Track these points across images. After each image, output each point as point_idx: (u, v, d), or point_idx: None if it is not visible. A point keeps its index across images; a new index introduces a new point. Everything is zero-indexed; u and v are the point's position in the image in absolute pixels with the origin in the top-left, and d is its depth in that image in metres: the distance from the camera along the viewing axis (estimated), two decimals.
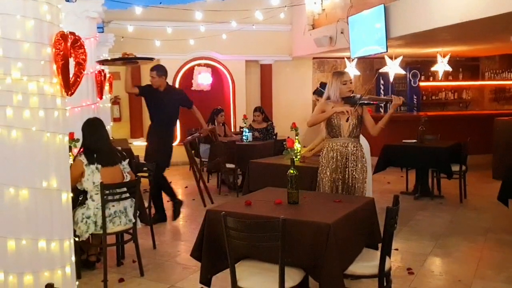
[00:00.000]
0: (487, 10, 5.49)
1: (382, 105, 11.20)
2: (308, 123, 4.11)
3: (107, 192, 3.80)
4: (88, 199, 3.93)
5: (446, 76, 11.47)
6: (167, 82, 6.07)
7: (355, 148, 3.99)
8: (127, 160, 4.20)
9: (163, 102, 5.82)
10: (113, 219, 3.91)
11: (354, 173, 3.97)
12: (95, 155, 3.93)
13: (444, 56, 9.49)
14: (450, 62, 9.64)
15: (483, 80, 12.31)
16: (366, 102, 3.98)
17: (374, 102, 4.02)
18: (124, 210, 4.02)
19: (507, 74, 11.63)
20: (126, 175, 4.12)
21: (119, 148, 4.56)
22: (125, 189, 3.95)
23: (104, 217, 3.81)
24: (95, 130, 4.05)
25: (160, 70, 5.92)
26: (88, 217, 3.88)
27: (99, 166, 3.92)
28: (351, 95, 4.01)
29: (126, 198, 4.00)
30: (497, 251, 4.72)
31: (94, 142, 3.98)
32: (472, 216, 5.95)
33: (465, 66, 12.39)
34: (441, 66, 9.53)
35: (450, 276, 4.10)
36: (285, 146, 3.86)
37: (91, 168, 3.89)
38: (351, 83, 4.03)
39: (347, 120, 3.93)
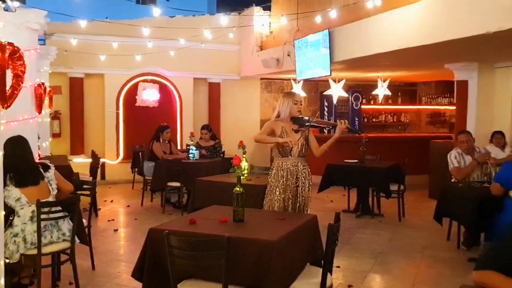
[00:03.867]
0: (423, 38, 5.83)
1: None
2: (255, 138, 4.18)
3: (42, 210, 3.61)
4: (14, 217, 3.72)
5: (386, 99, 12.01)
6: None
7: (304, 167, 4.10)
8: (51, 171, 3.96)
9: None
10: (43, 233, 3.70)
11: (304, 191, 4.06)
12: (11, 175, 3.69)
13: (384, 81, 9.93)
14: (389, 87, 10.09)
15: (420, 104, 13.00)
16: (314, 124, 4.10)
17: (322, 125, 4.15)
18: (55, 223, 3.82)
19: (442, 99, 12.35)
20: (53, 188, 3.93)
21: (47, 161, 4.33)
22: (59, 207, 3.77)
23: (39, 237, 3.62)
24: (16, 151, 3.81)
25: None
26: (16, 235, 3.64)
27: (14, 182, 3.72)
28: (299, 116, 4.11)
29: (63, 217, 3.83)
30: (433, 267, 4.93)
31: (14, 163, 3.75)
32: (410, 234, 6.19)
33: (403, 91, 13.03)
34: (381, 90, 9.96)
35: None
36: (232, 164, 3.86)
37: (7, 188, 3.67)
38: (301, 104, 4.16)
39: (290, 150, 4.03)
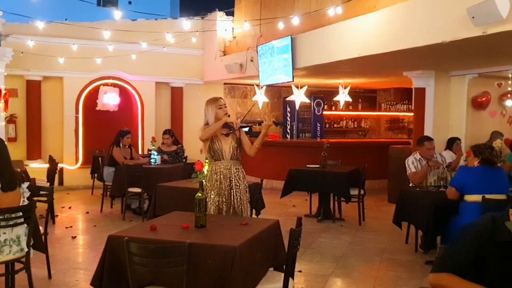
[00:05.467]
0: (383, 47, 5.99)
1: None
2: (202, 137, 4.12)
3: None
4: None
5: (347, 106, 12.25)
6: None
7: (237, 170, 4.14)
8: (26, 183, 3.82)
9: None
10: (1, 248, 3.55)
11: (238, 194, 4.08)
12: None
13: (345, 87, 10.12)
14: (350, 93, 10.29)
15: (379, 110, 13.33)
16: (242, 125, 4.17)
17: (249, 124, 4.24)
18: (16, 238, 3.65)
19: (401, 106, 12.71)
20: (24, 200, 3.78)
21: (18, 169, 4.17)
22: (20, 213, 3.63)
23: None
24: (2, 152, 3.66)
25: None
26: None
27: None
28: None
29: (20, 224, 3.68)
30: (392, 270, 5.04)
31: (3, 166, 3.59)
32: (370, 238, 6.31)
33: (364, 97, 13.34)
34: (342, 96, 10.14)
35: None
36: (194, 169, 3.84)
37: None
38: (225, 107, 4.19)
39: (227, 135, 4.08)
